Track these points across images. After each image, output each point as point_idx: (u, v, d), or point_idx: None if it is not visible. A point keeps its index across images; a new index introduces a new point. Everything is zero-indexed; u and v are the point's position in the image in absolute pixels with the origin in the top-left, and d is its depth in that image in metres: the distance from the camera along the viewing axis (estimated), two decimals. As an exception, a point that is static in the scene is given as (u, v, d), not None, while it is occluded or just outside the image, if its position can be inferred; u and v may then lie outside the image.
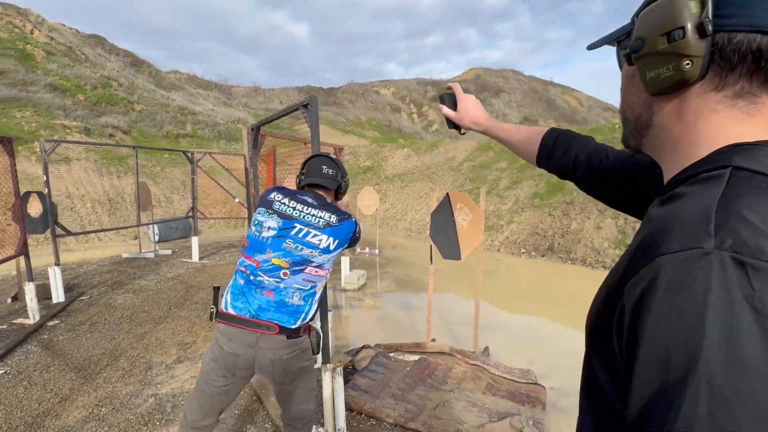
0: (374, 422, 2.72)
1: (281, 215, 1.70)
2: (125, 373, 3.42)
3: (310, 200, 1.76)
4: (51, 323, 4.53)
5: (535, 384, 3.14)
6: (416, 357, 3.51)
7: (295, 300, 1.69)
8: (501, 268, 7.71)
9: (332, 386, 2.44)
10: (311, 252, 1.69)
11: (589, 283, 6.48)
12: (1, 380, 3.29)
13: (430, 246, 3.64)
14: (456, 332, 4.53)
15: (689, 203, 0.40)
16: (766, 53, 0.41)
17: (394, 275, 7.09)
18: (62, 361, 3.64)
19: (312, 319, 1.76)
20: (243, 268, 1.71)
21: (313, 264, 1.70)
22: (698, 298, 0.33)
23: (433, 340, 3.82)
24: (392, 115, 44.42)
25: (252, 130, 3.41)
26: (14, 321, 4.56)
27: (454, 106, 1.09)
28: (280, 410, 1.86)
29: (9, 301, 5.22)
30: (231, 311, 1.66)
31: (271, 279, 1.66)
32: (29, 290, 4.46)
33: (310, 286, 1.72)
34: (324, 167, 1.84)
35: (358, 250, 8.77)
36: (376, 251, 8.74)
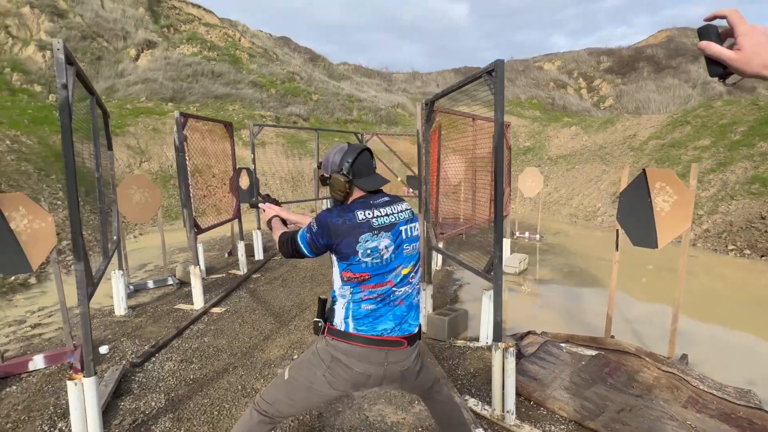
0: (544, 412, 2.54)
1: (386, 228, 1.52)
2: (310, 324, 3.93)
3: (387, 199, 1.60)
4: (255, 276, 5.50)
5: (760, 410, 2.50)
6: (592, 352, 3.14)
7: (417, 298, 1.66)
8: (697, 267, 6.38)
9: (503, 366, 2.34)
10: (418, 245, 1.65)
11: (840, 296, 4.87)
12: (225, 315, 4.13)
13: (617, 230, 3.18)
14: (639, 332, 3.92)
15: None
16: None
17: (555, 263, 6.52)
18: (264, 307, 4.38)
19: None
20: (374, 296, 1.52)
21: (418, 254, 1.65)
22: None
23: (612, 336, 3.37)
24: (556, 92, 40.52)
25: (426, 105, 3.45)
26: (230, 272, 5.69)
27: (721, 42, 0.75)
28: (420, 389, 1.79)
29: (226, 255, 6.53)
30: (356, 333, 1.51)
31: (403, 288, 1.58)
32: (240, 247, 5.49)
33: (417, 279, 1.66)
34: (373, 162, 1.64)
35: (517, 234, 8.33)
36: (537, 236, 8.16)
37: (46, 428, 2.39)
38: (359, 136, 8.05)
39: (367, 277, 1.50)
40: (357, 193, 1.57)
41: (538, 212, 8.75)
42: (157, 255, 6.51)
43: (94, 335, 3.67)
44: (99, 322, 3.96)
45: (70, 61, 1.94)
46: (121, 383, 2.85)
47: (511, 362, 2.30)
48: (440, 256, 5.81)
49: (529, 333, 3.56)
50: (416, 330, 1.62)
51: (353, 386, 1.58)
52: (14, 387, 2.83)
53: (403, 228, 1.56)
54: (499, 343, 2.36)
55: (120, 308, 4.14)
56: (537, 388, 2.69)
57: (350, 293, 1.52)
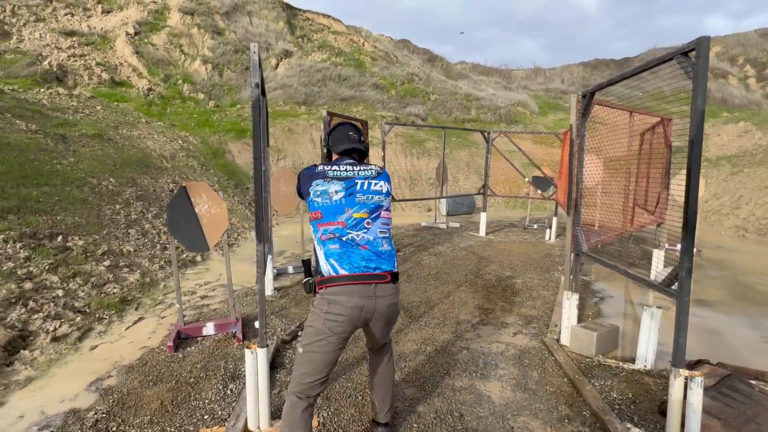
0: (734, 460, 2.10)
1: (340, 179, 1.89)
2: (439, 322, 3.89)
3: (351, 161, 2.00)
4: (381, 269, 5.67)
5: None
6: (797, 397, 2.53)
7: (386, 247, 1.92)
8: None
9: (685, 398, 1.99)
10: (379, 198, 1.94)
11: None
12: (357, 305, 4.32)
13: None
14: None
15: None
16: None
17: (721, 282, 5.49)
18: (392, 300, 4.47)
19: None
20: (330, 234, 1.84)
21: (384, 207, 1.95)
22: None
23: (825, 381, 2.67)
24: (713, 83, 34.54)
25: (583, 97, 3.14)
26: (358, 263, 5.97)
27: None
28: (370, 341, 2.10)
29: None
30: (343, 272, 1.80)
31: (359, 233, 1.84)
32: (369, 241, 5.71)
33: (388, 232, 1.96)
34: (351, 133, 2.06)
35: (667, 246, 7.24)
36: (695, 250, 6.99)
37: (219, 387, 2.73)
38: (486, 134, 7.80)
39: (320, 215, 1.86)
40: (334, 157, 2.07)
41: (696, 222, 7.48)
42: (292, 244, 7.13)
43: (247, 311, 4.13)
44: (252, 300, 4.45)
45: (260, 63, 2.17)
46: (275, 357, 3.15)
47: (697, 395, 1.95)
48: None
49: (700, 361, 3.02)
50: (395, 270, 1.92)
51: (352, 323, 1.82)
52: (193, 348, 3.31)
53: (359, 181, 1.90)
54: (681, 370, 2.01)
55: (268, 289, 4.59)
56: (720, 428, 2.25)
57: (315, 236, 1.89)
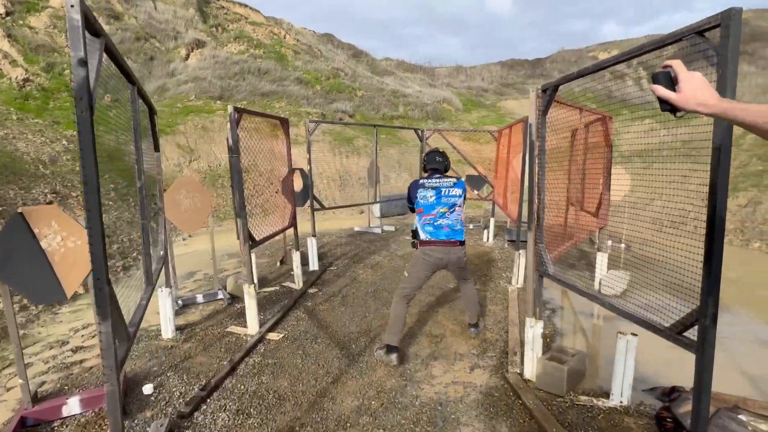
0: None
1: (432, 187, 3.33)
2: (385, 362, 3.26)
3: (439, 176, 3.41)
4: (311, 290, 4.91)
5: None
6: (788, 431, 2.26)
7: (458, 227, 3.36)
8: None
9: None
10: (454, 199, 3.33)
11: None
12: (283, 344, 3.54)
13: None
14: (818, 390, 2.95)
15: None
16: None
17: (667, 283, 5.51)
18: (326, 333, 3.75)
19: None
20: (427, 221, 3.29)
21: (458, 205, 3.35)
22: None
23: (802, 403, 2.46)
24: (613, 83, 37.92)
25: (543, 91, 2.67)
26: (284, 284, 5.14)
27: (670, 86, 0.99)
28: (455, 277, 3.63)
29: (278, 264, 6.01)
30: (433, 239, 3.28)
31: (442, 220, 3.29)
32: (296, 258, 4.91)
33: (459, 217, 3.38)
34: (437, 158, 3.50)
35: (610, 243, 7.31)
36: (623, 245, 7.11)
37: None
38: (420, 132, 7.32)
39: (422, 210, 3.31)
40: (428, 173, 3.50)
41: (624, 217, 7.66)
42: (208, 261, 6.09)
43: (138, 365, 3.18)
44: (144, 348, 3.48)
45: (94, 30, 1.34)
46: (166, 444, 2.29)
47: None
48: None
49: (675, 389, 2.71)
50: (461, 239, 3.34)
51: (435, 265, 3.31)
52: (43, 442, 2.34)
53: (443, 189, 3.31)
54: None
55: (167, 330, 3.65)
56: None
57: (418, 221, 3.36)
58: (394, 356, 3.15)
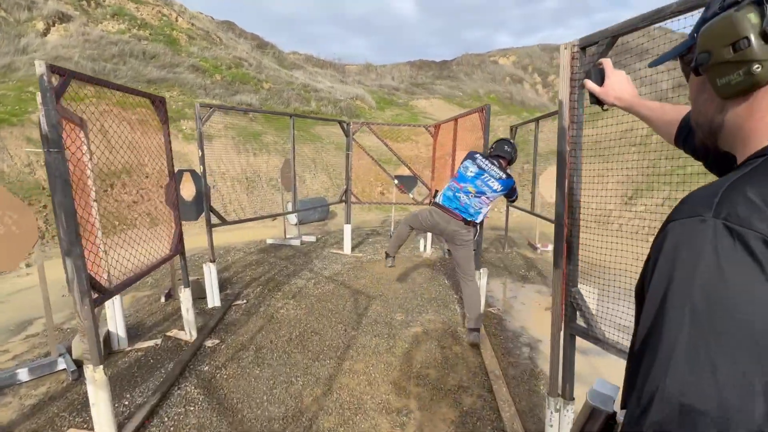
0: None
1: (479, 167, 3.45)
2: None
3: (496, 163, 3.46)
4: (209, 342, 3.48)
5: None
6: None
7: (472, 210, 3.48)
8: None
9: None
10: (488, 189, 3.43)
11: None
12: (156, 463, 2.14)
13: None
14: None
15: (714, 183, 0.49)
16: None
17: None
18: (233, 427, 2.42)
19: (478, 223, 3.52)
20: (453, 187, 3.54)
21: (486, 195, 3.45)
22: (693, 253, 0.44)
23: None
24: (513, 87, 40.36)
25: (582, 49, 1.69)
26: (168, 333, 3.63)
27: (600, 81, 1.15)
28: (457, 267, 3.64)
29: (162, 300, 4.41)
30: (444, 204, 3.54)
31: (464, 196, 3.48)
32: (185, 299, 3.45)
33: (480, 206, 3.49)
34: (506, 146, 3.54)
35: (540, 247, 6.84)
36: (549, 247, 6.70)
37: None
38: (345, 125, 6.14)
39: (456, 176, 3.57)
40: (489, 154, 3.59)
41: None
42: (57, 301, 4.27)
43: None
44: None
45: None
46: None
47: None
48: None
49: None
50: (469, 219, 3.47)
51: (433, 226, 3.61)
52: None
53: (486, 174, 3.42)
54: None
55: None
56: None
57: (449, 184, 3.63)
58: (389, 260, 4.19)
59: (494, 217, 10.92)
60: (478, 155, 3.48)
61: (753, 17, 0.49)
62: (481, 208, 3.47)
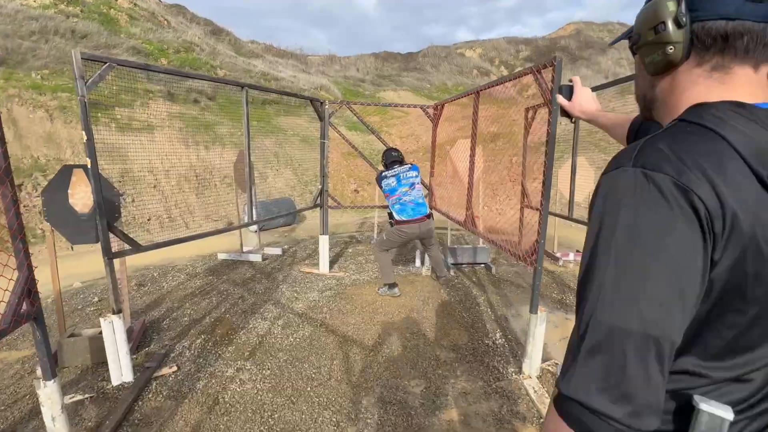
0: None
1: (391, 175, 4.24)
2: None
3: (398, 165, 4.33)
4: (97, 474, 1.95)
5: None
6: None
7: (421, 201, 4.18)
8: None
9: None
10: (413, 179, 4.22)
11: None
12: None
13: None
14: None
15: (635, 143, 0.57)
16: (732, 34, 0.55)
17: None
18: None
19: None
20: (395, 200, 4.17)
21: (416, 182, 4.23)
22: (616, 199, 0.52)
23: None
24: (480, 80, 39.80)
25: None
26: (27, 453, 2.05)
27: (569, 97, 1.26)
28: (424, 246, 4.56)
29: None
30: (404, 218, 4.11)
31: (406, 198, 4.13)
32: (48, 398, 1.90)
33: (419, 193, 4.23)
34: (393, 152, 4.48)
35: (561, 257, 5.63)
36: (570, 257, 5.52)
37: None
38: (320, 104, 4.63)
39: (388, 195, 4.24)
40: (388, 167, 4.39)
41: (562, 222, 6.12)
42: None
43: None
44: None
45: None
46: None
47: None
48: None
49: None
50: (427, 213, 4.20)
51: (410, 238, 4.21)
52: None
53: (402, 174, 4.24)
54: None
55: None
56: None
57: (389, 202, 4.23)
58: (396, 290, 4.19)
59: (492, 218, 9.77)
60: (383, 173, 4.36)
61: (671, 5, 0.58)
62: (421, 195, 4.28)
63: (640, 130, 1.00)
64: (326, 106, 4.59)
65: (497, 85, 3.39)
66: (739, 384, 0.54)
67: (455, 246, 5.40)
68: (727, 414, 0.50)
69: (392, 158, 4.40)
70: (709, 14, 0.55)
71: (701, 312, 0.51)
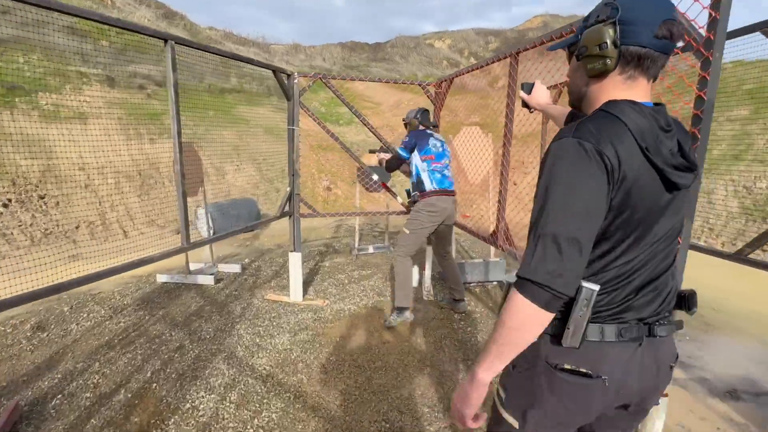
0: None
1: (438, 139, 3.50)
2: None
3: (437, 134, 3.58)
4: None
5: None
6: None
7: (452, 178, 3.54)
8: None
9: None
10: (448, 154, 3.56)
11: None
12: None
13: None
14: None
15: (573, 123, 0.90)
16: (643, 56, 0.88)
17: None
18: None
19: None
20: (437, 168, 3.39)
21: (448, 158, 3.56)
22: (558, 158, 0.85)
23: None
24: (450, 71, 39.12)
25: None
26: None
27: (530, 92, 1.52)
28: (440, 246, 3.68)
29: None
30: (438, 188, 3.35)
31: (447, 170, 3.47)
32: None
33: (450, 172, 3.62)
34: (431, 116, 3.74)
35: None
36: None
37: None
38: (287, 77, 3.44)
39: (432, 158, 3.37)
40: (422, 127, 3.53)
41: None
42: None
43: None
44: None
45: None
46: None
47: None
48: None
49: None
50: (453, 190, 3.57)
51: (440, 216, 3.33)
52: None
53: (445, 143, 3.57)
54: None
55: None
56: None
57: (427, 167, 3.36)
58: (407, 313, 3.39)
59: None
60: (427, 131, 3.50)
61: (611, 32, 0.88)
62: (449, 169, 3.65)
63: (574, 117, 1.31)
64: (295, 81, 3.40)
65: (535, 47, 2.35)
66: (605, 273, 0.91)
67: (464, 261, 4.34)
68: (595, 287, 0.87)
69: (429, 121, 3.59)
70: (633, 41, 0.88)
71: (603, 225, 0.86)
